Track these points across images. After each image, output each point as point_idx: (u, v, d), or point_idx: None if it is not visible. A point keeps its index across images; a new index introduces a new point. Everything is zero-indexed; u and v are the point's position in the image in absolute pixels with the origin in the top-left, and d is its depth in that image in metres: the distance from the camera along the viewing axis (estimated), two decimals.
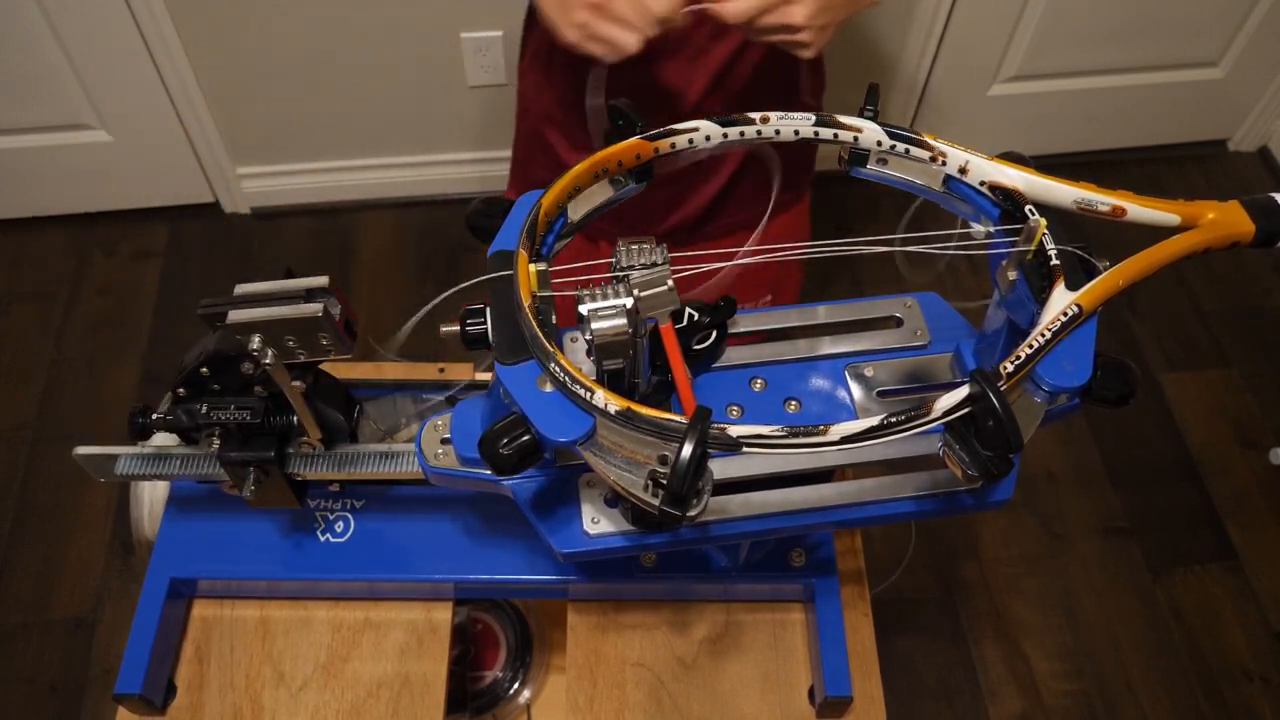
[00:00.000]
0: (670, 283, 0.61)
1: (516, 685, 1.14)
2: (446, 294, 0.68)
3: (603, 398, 0.57)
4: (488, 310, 0.63)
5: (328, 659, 0.88)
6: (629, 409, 0.56)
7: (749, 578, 0.88)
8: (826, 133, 0.69)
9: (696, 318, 0.74)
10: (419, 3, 1.87)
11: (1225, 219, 0.67)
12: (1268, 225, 0.67)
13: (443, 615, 0.90)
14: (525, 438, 0.58)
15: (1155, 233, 0.68)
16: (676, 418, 0.56)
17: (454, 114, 2.09)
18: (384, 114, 2.08)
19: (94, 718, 1.59)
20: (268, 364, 0.68)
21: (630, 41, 0.80)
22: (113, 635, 1.67)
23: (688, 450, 0.54)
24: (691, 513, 0.56)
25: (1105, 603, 1.78)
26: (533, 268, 0.63)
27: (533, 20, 1.09)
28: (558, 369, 0.58)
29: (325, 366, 0.78)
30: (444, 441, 0.71)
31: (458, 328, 0.64)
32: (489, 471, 0.67)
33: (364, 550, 0.88)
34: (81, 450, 0.81)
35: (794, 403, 0.74)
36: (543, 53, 1.06)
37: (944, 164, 0.68)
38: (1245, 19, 2.15)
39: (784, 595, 0.91)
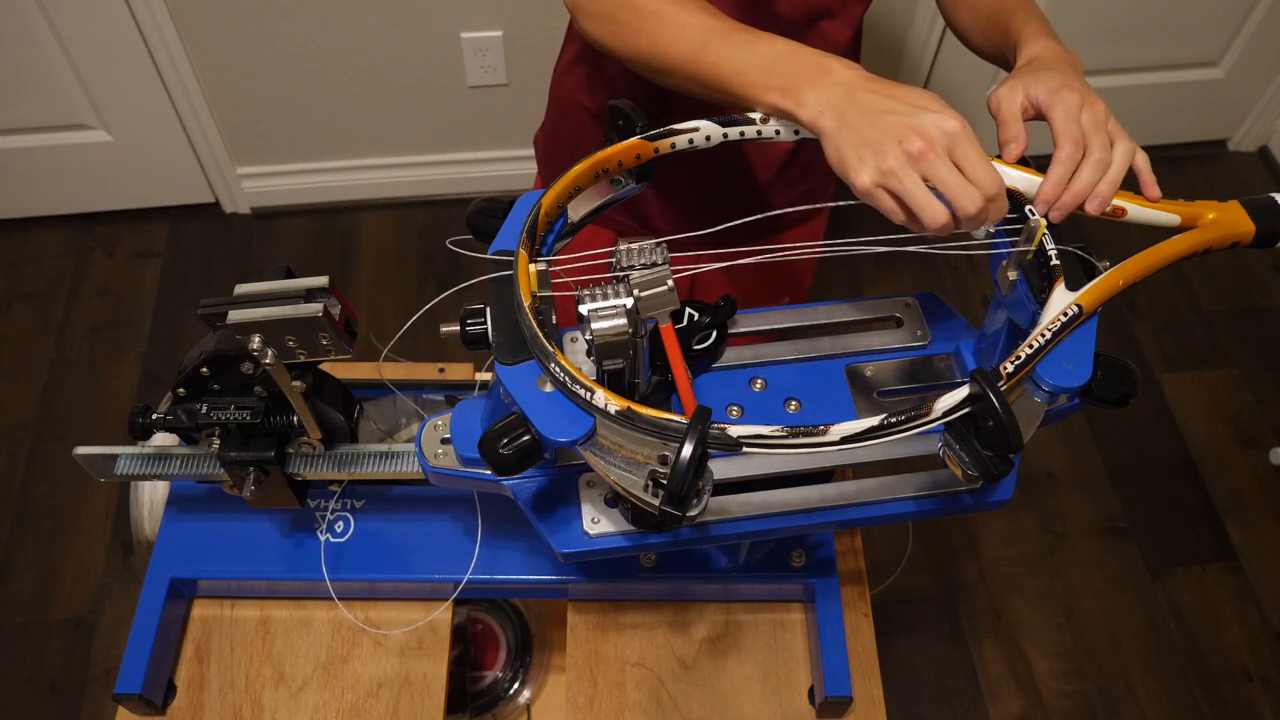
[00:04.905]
0: (670, 283, 0.61)
1: (516, 685, 1.14)
2: (447, 294, 0.68)
3: (603, 398, 0.57)
4: (488, 310, 0.63)
5: (328, 659, 0.88)
6: (629, 409, 0.56)
7: (749, 578, 0.88)
8: None
9: (696, 318, 0.74)
10: (419, 3, 1.87)
11: (1225, 219, 0.67)
12: (1267, 225, 0.67)
13: (443, 615, 0.90)
14: (525, 438, 0.58)
15: (1155, 232, 0.68)
16: (677, 418, 0.56)
17: (454, 114, 2.09)
18: (384, 114, 2.08)
19: (94, 718, 1.59)
20: (268, 364, 0.68)
21: (936, 216, 0.62)
22: (113, 635, 1.67)
23: (688, 450, 0.54)
24: (691, 513, 0.56)
25: (1105, 603, 1.78)
26: (533, 267, 0.63)
27: None
28: (558, 369, 0.58)
29: (325, 366, 0.78)
30: (444, 441, 0.70)
31: (457, 328, 0.63)
32: (489, 471, 0.67)
33: (364, 550, 0.88)
34: (81, 450, 0.81)
35: (794, 403, 0.74)
36: (591, 52, 1.00)
37: None
38: (1245, 19, 2.15)
39: (784, 595, 0.91)
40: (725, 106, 0.73)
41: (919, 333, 0.78)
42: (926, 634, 1.73)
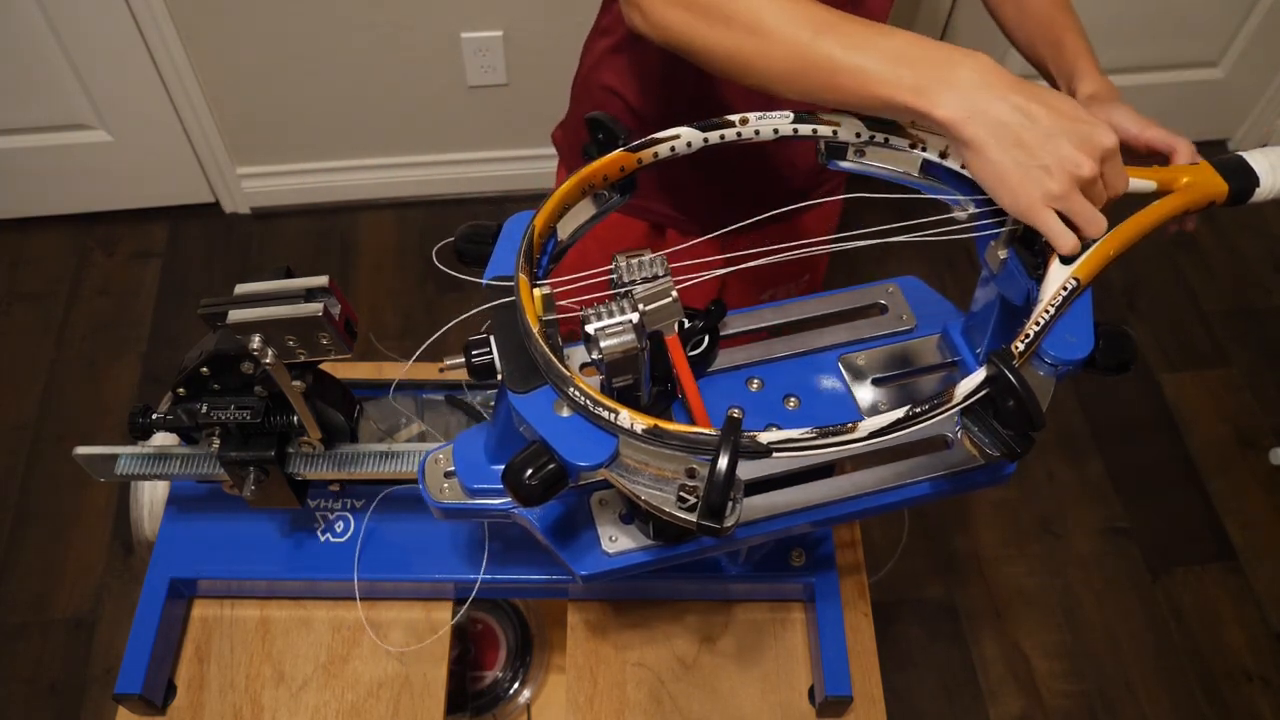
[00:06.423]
0: (675, 294, 0.60)
1: (516, 685, 1.14)
2: (453, 323, 0.67)
3: (628, 418, 0.56)
4: (492, 339, 0.62)
5: (328, 659, 0.88)
6: (656, 426, 0.56)
7: (749, 578, 0.88)
8: (805, 128, 0.68)
9: (688, 324, 0.74)
10: (419, 3, 1.87)
11: (1199, 181, 0.69)
12: (1238, 183, 0.69)
13: (442, 615, 0.90)
14: (551, 466, 0.57)
15: (1134, 202, 0.69)
16: (707, 431, 0.56)
17: (454, 114, 2.09)
18: (384, 114, 2.08)
19: (94, 718, 1.59)
20: (268, 364, 0.68)
21: (1101, 229, 0.63)
22: (113, 635, 1.67)
23: (724, 462, 0.54)
24: (728, 522, 0.56)
25: (1105, 603, 1.78)
26: (537, 292, 0.62)
27: (609, 7, 1.01)
28: (577, 393, 0.57)
29: (325, 366, 0.78)
30: (447, 475, 0.70)
31: (461, 360, 0.62)
32: (498, 502, 0.67)
33: (364, 550, 0.88)
34: (81, 450, 0.81)
35: (793, 399, 0.74)
36: (631, 43, 0.98)
37: (923, 149, 0.67)
38: (1245, 19, 2.15)
39: (784, 595, 0.91)
40: (819, 106, 0.68)
41: (904, 317, 0.79)
42: (926, 634, 1.73)
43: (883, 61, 0.63)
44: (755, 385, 0.74)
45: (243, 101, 2.02)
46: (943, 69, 0.62)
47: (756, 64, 0.68)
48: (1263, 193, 0.70)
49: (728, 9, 0.68)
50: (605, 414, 0.57)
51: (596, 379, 0.64)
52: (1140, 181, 0.68)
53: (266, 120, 2.07)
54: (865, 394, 0.74)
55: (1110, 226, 0.65)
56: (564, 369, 0.58)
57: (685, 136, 0.68)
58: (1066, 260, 0.63)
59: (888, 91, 0.63)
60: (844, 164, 0.70)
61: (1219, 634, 1.75)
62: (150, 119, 2.01)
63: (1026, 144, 0.60)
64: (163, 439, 0.85)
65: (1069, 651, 1.72)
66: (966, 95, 0.61)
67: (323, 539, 0.89)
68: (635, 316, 0.59)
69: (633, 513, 0.69)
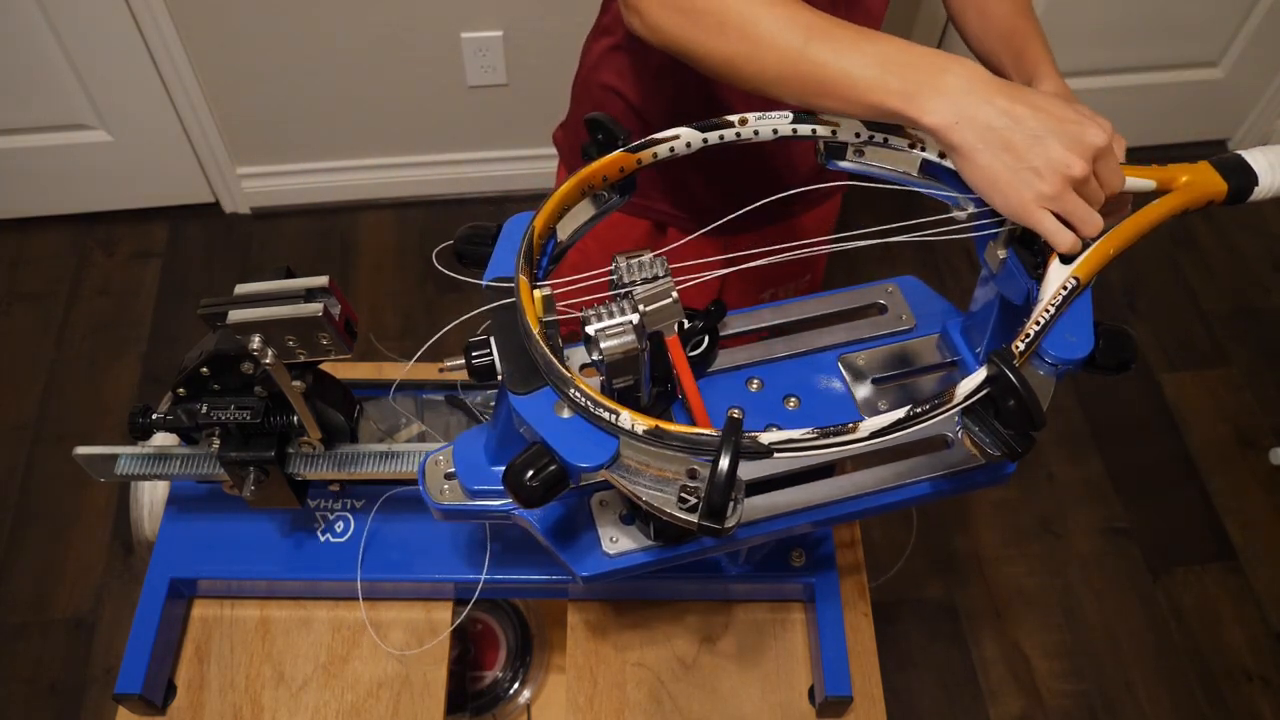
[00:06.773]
0: (675, 294, 0.60)
1: (516, 685, 1.14)
2: (453, 324, 0.67)
3: (629, 419, 0.56)
4: (492, 340, 0.62)
5: (328, 659, 0.88)
6: (657, 427, 0.56)
7: (749, 578, 0.88)
8: (805, 128, 0.68)
9: (688, 324, 0.73)
10: (419, 3, 1.87)
11: (1199, 180, 0.69)
12: (1238, 182, 0.69)
13: (443, 615, 0.90)
14: (552, 468, 0.57)
15: (1134, 200, 0.69)
16: (708, 432, 0.56)
17: (454, 114, 2.09)
18: (384, 114, 2.08)
19: (94, 718, 1.59)
20: (268, 364, 0.68)
21: (1096, 227, 0.63)
22: (113, 635, 1.67)
23: (725, 463, 0.54)
24: (730, 523, 0.55)
25: (1105, 603, 1.78)
26: (537, 293, 0.62)
27: (609, 6, 1.01)
28: (578, 394, 0.57)
29: (325, 366, 0.78)
30: (448, 477, 0.70)
31: (460, 362, 0.62)
32: (499, 503, 0.67)
33: (364, 550, 0.88)
34: (81, 450, 0.81)
35: (793, 399, 0.74)
36: (632, 41, 0.97)
37: (922, 149, 0.67)
38: (1245, 19, 2.15)
39: (784, 595, 0.91)
40: (814, 109, 0.69)
41: (904, 317, 0.79)
42: (926, 634, 1.73)
43: (871, 67, 0.64)
44: (755, 385, 0.75)
45: (243, 101, 2.02)
46: (930, 75, 0.62)
47: (750, 69, 0.69)
48: (1261, 191, 0.70)
49: (722, 15, 0.69)
50: (606, 415, 0.57)
51: (597, 380, 0.64)
52: (1138, 180, 0.68)
53: (266, 120, 2.07)
54: (865, 394, 0.74)
55: (1108, 226, 0.65)
56: (564, 370, 0.58)
57: (685, 137, 0.68)
58: (1066, 259, 0.63)
59: (876, 97, 0.63)
60: (843, 164, 0.70)
61: (1219, 634, 1.75)
62: (150, 119, 2.01)
63: (1015, 147, 0.61)
64: (163, 439, 0.85)
65: (1069, 651, 1.72)
66: (954, 101, 0.61)
67: (323, 539, 0.89)
68: (635, 317, 0.59)
69: (633, 513, 0.69)
